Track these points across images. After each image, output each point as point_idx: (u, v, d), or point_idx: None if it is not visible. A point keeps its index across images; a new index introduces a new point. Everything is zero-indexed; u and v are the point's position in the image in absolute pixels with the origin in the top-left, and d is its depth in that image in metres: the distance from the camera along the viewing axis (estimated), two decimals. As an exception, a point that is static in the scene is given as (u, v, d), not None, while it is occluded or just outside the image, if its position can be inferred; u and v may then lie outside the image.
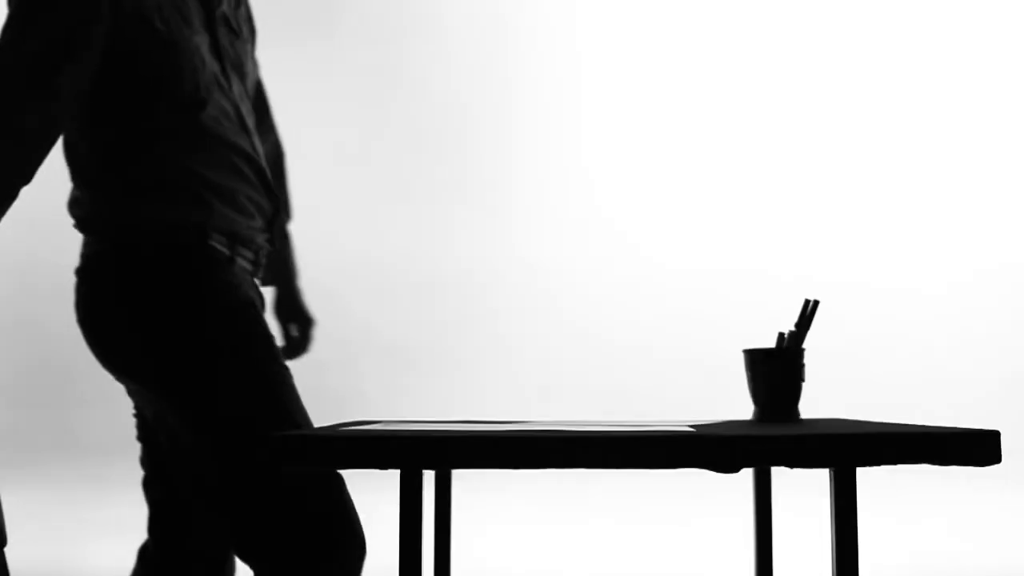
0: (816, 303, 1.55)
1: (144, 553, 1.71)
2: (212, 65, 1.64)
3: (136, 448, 3.72)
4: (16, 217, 4.10)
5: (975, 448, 1.07)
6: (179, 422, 1.53)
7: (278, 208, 1.75)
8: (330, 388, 3.78)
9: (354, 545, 1.47)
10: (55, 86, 1.49)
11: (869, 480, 3.68)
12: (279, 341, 2.06)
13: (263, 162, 1.72)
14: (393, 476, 0.97)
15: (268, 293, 1.90)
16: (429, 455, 1.06)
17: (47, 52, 1.49)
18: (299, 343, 1.97)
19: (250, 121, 1.72)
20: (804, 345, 1.55)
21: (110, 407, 3.76)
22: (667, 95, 4.25)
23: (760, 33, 4.31)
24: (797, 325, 1.54)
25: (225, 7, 1.74)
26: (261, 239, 1.72)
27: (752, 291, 4.06)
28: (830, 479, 1.09)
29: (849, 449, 1.06)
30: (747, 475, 3.05)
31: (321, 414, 3.79)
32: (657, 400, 3.61)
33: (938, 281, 4.18)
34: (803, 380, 1.53)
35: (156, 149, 1.58)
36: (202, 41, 1.64)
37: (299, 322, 1.98)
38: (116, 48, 1.55)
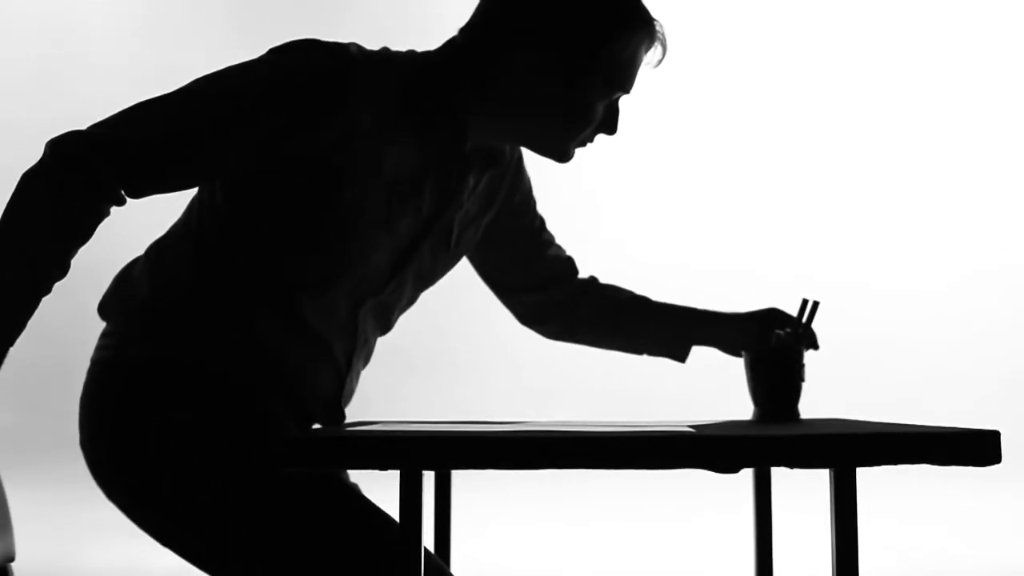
0: (816, 303, 1.54)
1: None
2: (371, 274, 1.41)
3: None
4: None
5: (975, 448, 1.06)
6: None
7: (337, 415, 1.50)
8: (330, 388, 3.76)
9: None
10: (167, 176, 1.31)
11: (869, 480, 3.67)
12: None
13: (351, 375, 1.48)
14: (393, 476, 0.97)
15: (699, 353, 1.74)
16: (429, 455, 1.06)
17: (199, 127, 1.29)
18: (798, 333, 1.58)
19: (369, 328, 1.47)
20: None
21: (110, 407, 3.75)
22: (667, 94, 4.25)
23: (758, 32, 4.31)
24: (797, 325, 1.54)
25: (462, 213, 1.49)
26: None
27: (752, 291, 4.06)
28: (830, 479, 1.09)
29: (849, 449, 1.06)
30: (747, 475, 3.04)
31: (321, 414, 3.77)
32: (657, 400, 3.60)
33: (938, 281, 4.18)
34: (803, 380, 1.53)
35: (249, 288, 1.38)
36: (388, 247, 1.40)
37: (764, 337, 1.60)
38: (285, 185, 1.33)
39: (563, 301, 1.69)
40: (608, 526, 3.79)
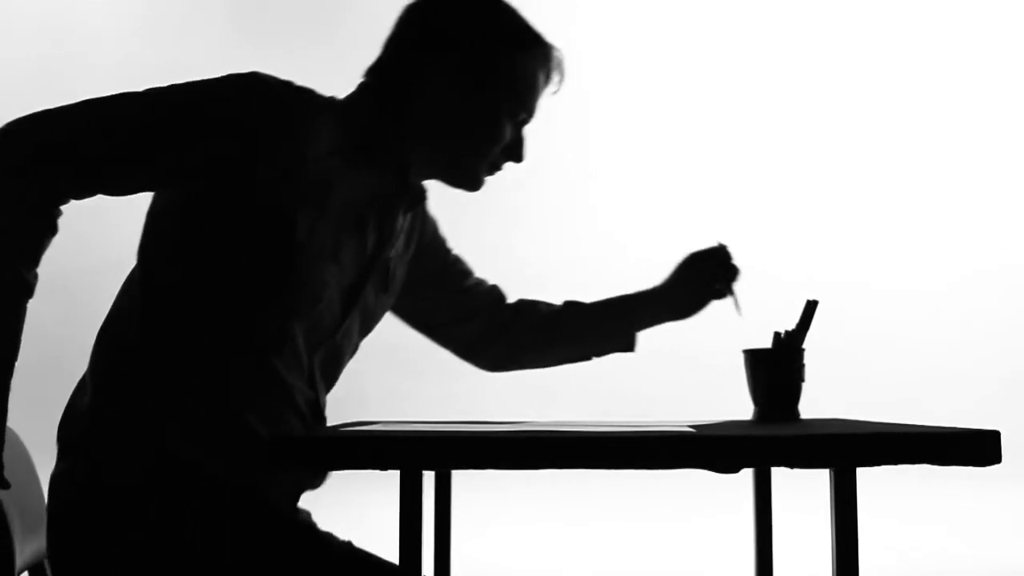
0: (815, 303, 1.54)
1: None
2: (327, 315, 1.37)
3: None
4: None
5: (975, 448, 1.06)
6: None
7: (321, 475, 1.43)
8: (330, 388, 3.76)
9: None
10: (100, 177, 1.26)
11: (869, 480, 3.67)
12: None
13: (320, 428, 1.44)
14: (393, 476, 0.96)
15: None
16: (429, 455, 1.05)
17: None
18: (718, 281, 1.63)
19: (321, 378, 1.42)
20: (804, 345, 1.55)
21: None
22: (668, 94, 4.25)
23: (760, 32, 4.31)
24: (797, 325, 1.53)
25: (395, 252, 1.48)
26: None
27: (752, 291, 4.06)
28: (830, 479, 1.09)
29: (849, 449, 1.06)
30: (747, 475, 3.04)
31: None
32: (657, 400, 3.61)
33: (938, 281, 4.18)
34: (803, 380, 1.53)
35: (213, 358, 1.30)
36: (337, 283, 1.37)
37: (696, 280, 1.64)
38: (235, 223, 1.28)
39: (495, 326, 1.67)
40: (608, 526, 3.78)
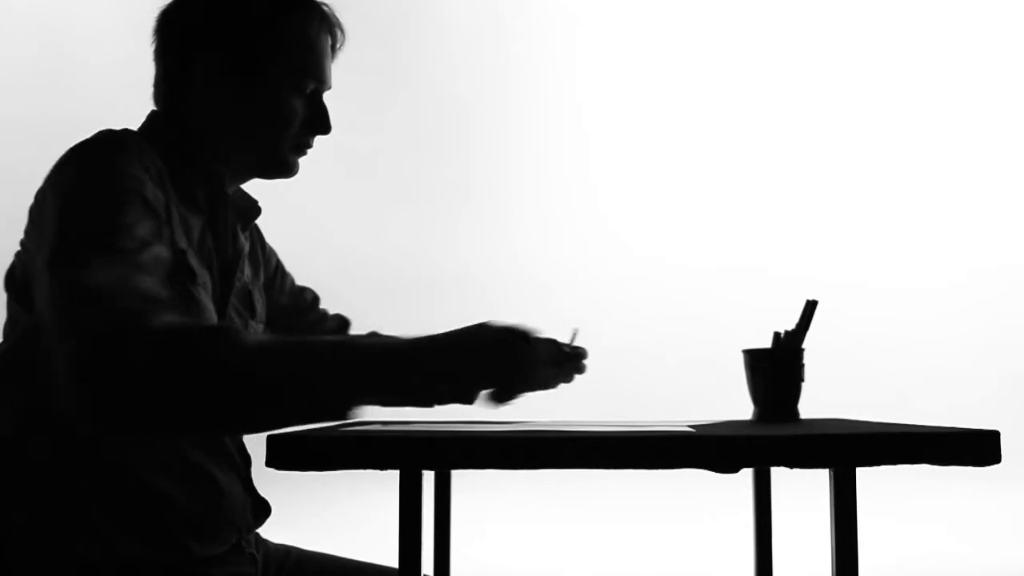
0: (815, 303, 1.54)
1: None
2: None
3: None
4: (13, 214, 4.09)
5: (975, 448, 1.06)
6: None
7: (262, 511, 1.41)
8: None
9: None
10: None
11: (869, 480, 3.66)
12: None
13: (248, 466, 1.38)
14: (393, 476, 0.96)
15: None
16: (429, 455, 1.05)
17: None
18: None
19: None
20: (804, 345, 1.55)
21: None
22: (667, 94, 4.25)
23: (760, 32, 4.31)
24: (797, 325, 1.53)
25: (247, 278, 1.45)
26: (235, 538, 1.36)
27: (752, 291, 4.06)
28: (830, 479, 1.09)
29: (849, 449, 1.06)
30: (747, 475, 3.03)
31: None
32: (657, 400, 3.61)
33: (938, 281, 4.18)
34: (803, 380, 1.53)
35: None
36: (211, 312, 1.31)
37: None
38: None
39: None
40: (608, 526, 3.79)
